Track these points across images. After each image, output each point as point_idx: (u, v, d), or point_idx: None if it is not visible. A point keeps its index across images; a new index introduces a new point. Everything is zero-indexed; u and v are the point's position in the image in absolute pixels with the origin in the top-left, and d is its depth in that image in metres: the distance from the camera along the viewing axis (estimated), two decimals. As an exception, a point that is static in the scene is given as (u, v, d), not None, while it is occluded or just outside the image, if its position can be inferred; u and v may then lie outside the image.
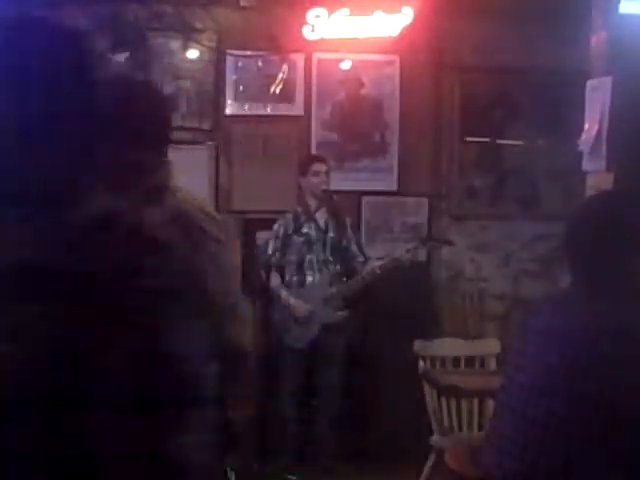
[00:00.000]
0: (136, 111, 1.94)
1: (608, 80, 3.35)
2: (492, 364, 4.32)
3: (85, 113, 1.15)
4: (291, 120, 5.23)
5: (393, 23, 4.95)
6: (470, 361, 4.35)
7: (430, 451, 4.10)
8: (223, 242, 2.15)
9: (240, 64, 5.16)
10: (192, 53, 5.10)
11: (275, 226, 4.76)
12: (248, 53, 5.14)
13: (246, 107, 5.19)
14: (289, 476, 4.58)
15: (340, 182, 5.04)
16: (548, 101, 5.22)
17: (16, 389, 1.03)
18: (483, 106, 5.36)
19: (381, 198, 5.33)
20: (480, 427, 4.04)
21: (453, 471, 2.81)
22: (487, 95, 5.36)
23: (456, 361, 4.32)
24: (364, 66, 5.25)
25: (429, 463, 4.11)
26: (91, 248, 1.08)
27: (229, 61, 5.15)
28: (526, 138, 5.41)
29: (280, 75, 5.16)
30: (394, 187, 5.32)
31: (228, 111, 5.18)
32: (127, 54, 4.98)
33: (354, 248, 4.81)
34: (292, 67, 5.18)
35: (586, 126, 3.46)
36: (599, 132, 3.36)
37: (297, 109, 5.23)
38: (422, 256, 4.96)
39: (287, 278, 4.75)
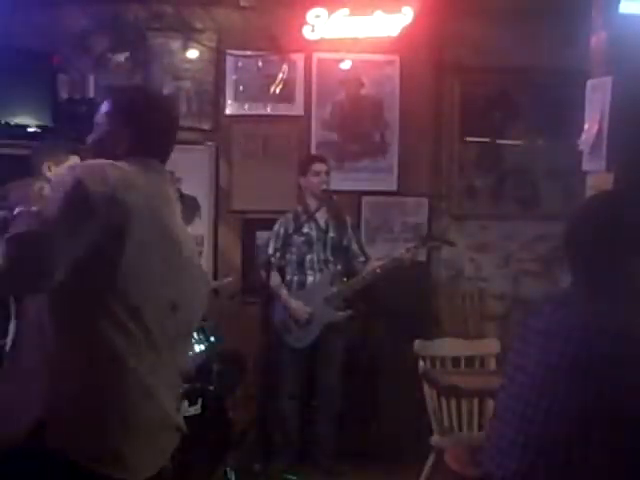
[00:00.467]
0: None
1: (608, 80, 3.35)
2: (492, 364, 4.32)
3: None
4: (291, 120, 5.24)
5: (393, 23, 4.95)
6: (470, 361, 4.35)
7: (430, 451, 4.10)
8: None
9: (240, 64, 5.16)
10: (192, 53, 5.10)
11: (275, 226, 4.76)
12: (248, 53, 5.14)
13: (246, 107, 5.19)
14: (289, 476, 4.58)
15: (340, 182, 5.05)
16: (548, 101, 5.22)
17: None
18: (483, 106, 5.36)
19: (381, 198, 5.33)
20: (480, 427, 4.04)
21: (453, 471, 2.81)
22: (487, 95, 5.36)
23: (456, 361, 4.32)
24: (364, 66, 5.26)
25: (429, 463, 4.10)
26: None
27: (229, 61, 5.15)
28: (526, 138, 5.41)
29: (280, 75, 5.17)
30: (394, 187, 5.32)
31: (228, 111, 5.18)
32: (127, 54, 4.98)
33: (355, 248, 4.81)
34: (292, 67, 5.18)
35: (586, 126, 3.45)
36: (599, 132, 3.36)
37: (297, 109, 5.23)
38: (422, 256, 4.96)
39: (287, 278, 4.75)
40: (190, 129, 5.08)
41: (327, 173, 4.73)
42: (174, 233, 2.07)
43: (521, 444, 2.05)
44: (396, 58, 5.25)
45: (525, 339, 2.17)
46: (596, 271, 2.08)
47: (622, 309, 2.02)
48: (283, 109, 5.22)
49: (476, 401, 4.07)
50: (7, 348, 2.63)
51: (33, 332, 1.96)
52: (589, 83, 3.49)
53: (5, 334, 2.78)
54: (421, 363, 4.17)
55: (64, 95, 4.70)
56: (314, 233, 4.74)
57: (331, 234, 4.77)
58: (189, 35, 5.05)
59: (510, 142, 5.42)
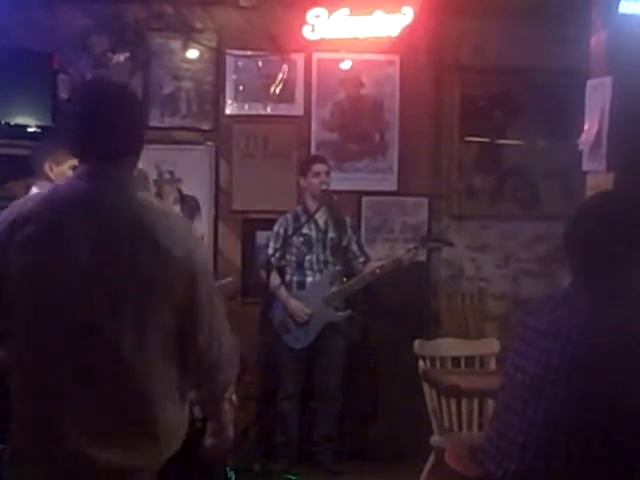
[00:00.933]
0: None
1: (608, 80, 3.35)
2: (492, 364, 4.32)
3: None
4: (291, 120, 5.23)
5: (393, 23, 4.94)
6: (470, 361, 4.35)
7: (430, 451, 4.10)
8: None
9: (240, 64, 5.16)
10: (192, 53, 5.10)
11: (275, 226, 4.76)
12: (248, 53, 5.14)
13: (246, 107, 5.19)
14: (289, 476, 4.58)
15: (340, 182, 5.04)
16: (548, 101, 5.22)
17: None
18: (483, 106, 5.36)
19: (381, 198, 5.32)
20: (480, 427, 4.03)
21: (453, 471, 2.80)
22: (487, 95, 5.35)
23: (456, 361, 4.32)
24: (364, 66, 5.25)
25: (429, 463, 4.10)
26: None
27: (229, 61, 5.15)
28: (526, 138, 5.40)
29: (280, 75, 5.16)
30: (394, 187, 5.32)
31: (228, 111, 5.18)
32: (127, 54, 4.98)
33: (354, 248, 4.81)
34: (292, 67, 5.18)
35: (586, 126, 3.45)
36: (599, 132, 3.36)
37: (297, 109, 5.23)
38: (422, 256, 4.96)
39: (287, 278, 4.75)
40: (190, 129, 5.09)
41: (327, 174, 4.73)
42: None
43: (521, 444, 2.05)
44: (396, 58, 5.24)
45: (525, 339, 2.18)
46: (596, 271, 2.08)
47: (622, 309, 2.02)
48: (283, 109, 5.22)
49: (476, 401, 4.07)
50: None
51: None
52: (589, 83, 3.49)
53: None
54: (421, 363, 4.17)
55: (64, 95, 4.70)
56: (314, 233, 4.74)
57: (331, 234, 4.77)
58: (189, 35, 5.05)
59: (510, 142, 5.41)
